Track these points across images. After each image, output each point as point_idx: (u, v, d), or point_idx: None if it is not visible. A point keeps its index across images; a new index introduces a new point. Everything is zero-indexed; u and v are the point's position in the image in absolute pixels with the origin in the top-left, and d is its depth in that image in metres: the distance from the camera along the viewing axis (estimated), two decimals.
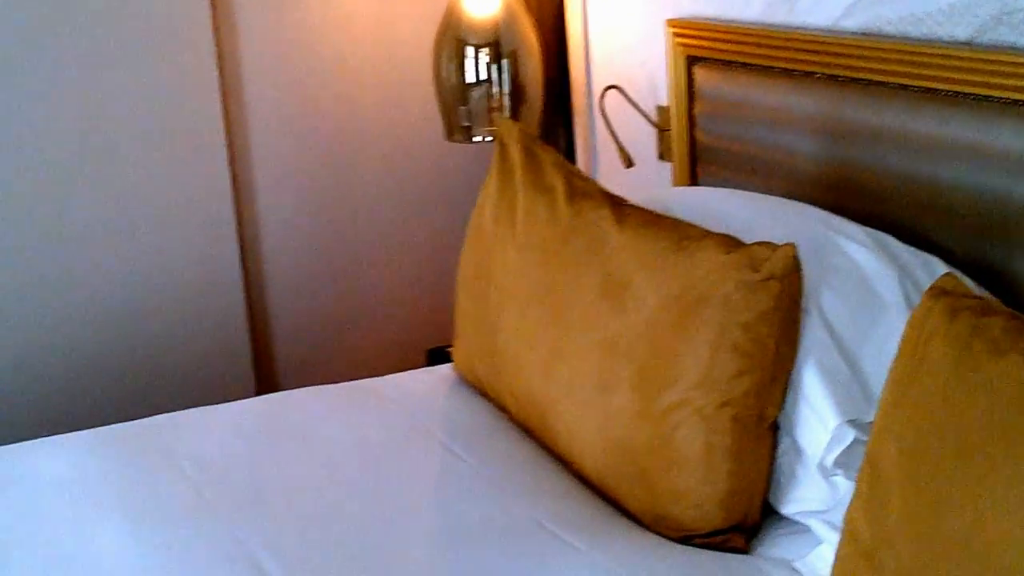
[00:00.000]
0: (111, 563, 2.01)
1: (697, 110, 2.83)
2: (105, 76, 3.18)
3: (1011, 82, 2.03)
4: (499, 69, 3.17)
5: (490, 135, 3.16)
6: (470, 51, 3.17)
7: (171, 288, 3.36)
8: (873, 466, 1.63)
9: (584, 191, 2.32)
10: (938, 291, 1.65)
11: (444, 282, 3.44)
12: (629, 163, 3.04)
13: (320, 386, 2.72)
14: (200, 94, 3.29)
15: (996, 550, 1.41)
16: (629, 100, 3.01)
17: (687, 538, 2.02)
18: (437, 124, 3.32)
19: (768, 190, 2.52)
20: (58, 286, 3.23)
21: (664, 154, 3.01)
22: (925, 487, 1.52)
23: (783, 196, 2.43)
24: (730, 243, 2.00)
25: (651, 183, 3.05)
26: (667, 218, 2.18)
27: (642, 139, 3.07)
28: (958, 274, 1.86)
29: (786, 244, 1.93)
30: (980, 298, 1.64)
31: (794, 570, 1.92)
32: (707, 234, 2.06)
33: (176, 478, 2.29)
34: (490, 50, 3.16)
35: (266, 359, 3.57)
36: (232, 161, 3.39)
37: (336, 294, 3.65)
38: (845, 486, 1.89)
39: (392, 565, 1.98)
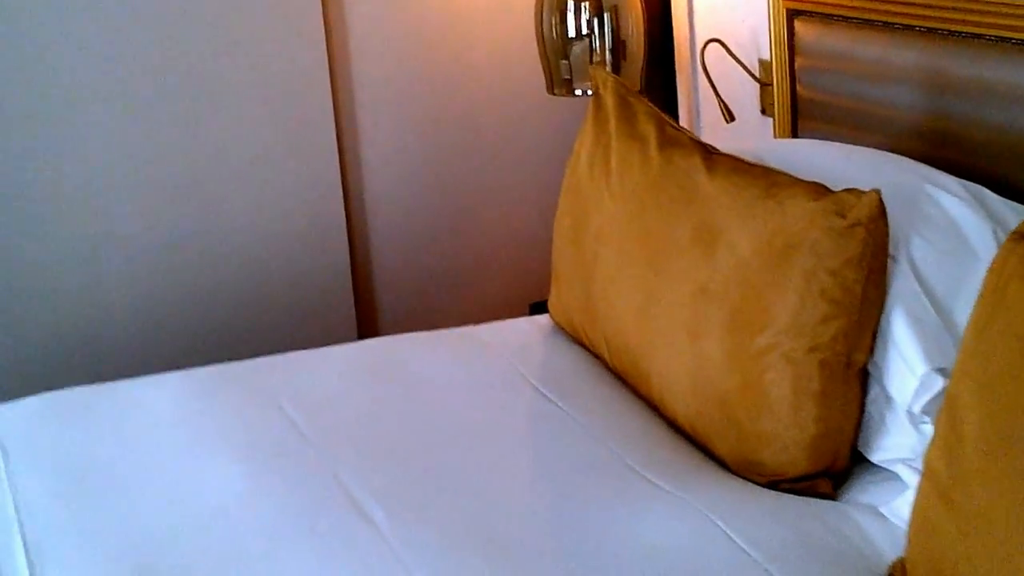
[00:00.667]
0: (217, 500, 2.08)
1: (798, 64, 2.86)
2: (211, 22, 3.29)
3: None
4: (600, 23, 3.22)
5: (591, 88, 3.21)
6: (571, 5, 3.23)
7: (278, 238, 3.46)
8: (951, 407, 1.67)
9: (675, 139, 2.36)
10: (1019, 235, 1.68)
11: (548, 236, 3.50)
12: (730, 118, 3.08)
13: (421, 332, 2.80)
14: (305, 44, 3.38)
15: None
16: (731, 54, 3.05)
17: (774, 483, 2.06)
18: (540, 78, 3.37)
19: (868, 144, 2.54)
20: (173, 235, 3.35)
21: (766, 109, 3.05)
22: (1000, 426, 1.56)
23: (882, 149, 2.46)
24: (818, 190, 2.04)
25: (752, 138, 3.08)
26: (756, 166, 2.22)
27: (744, 93, 3.12)
28: None
29: (871, 190, 1.96)
30: None
31: (880, 516, 1.96)
32: (796, 181, 2.10)
33: (279, 418, 2.36)
34: (591, 4, 3.21)
35: (369, 309, 3.66)
36: (337, 111, 3.47)
37: (440, 246, 3.73)
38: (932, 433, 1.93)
39: (488, 505, 2.04)
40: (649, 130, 2.40)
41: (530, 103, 3.67)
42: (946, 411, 1.68)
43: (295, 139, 3.43)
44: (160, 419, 2.40)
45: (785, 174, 2.15)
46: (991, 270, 1.68)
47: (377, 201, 3.64)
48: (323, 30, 3.39)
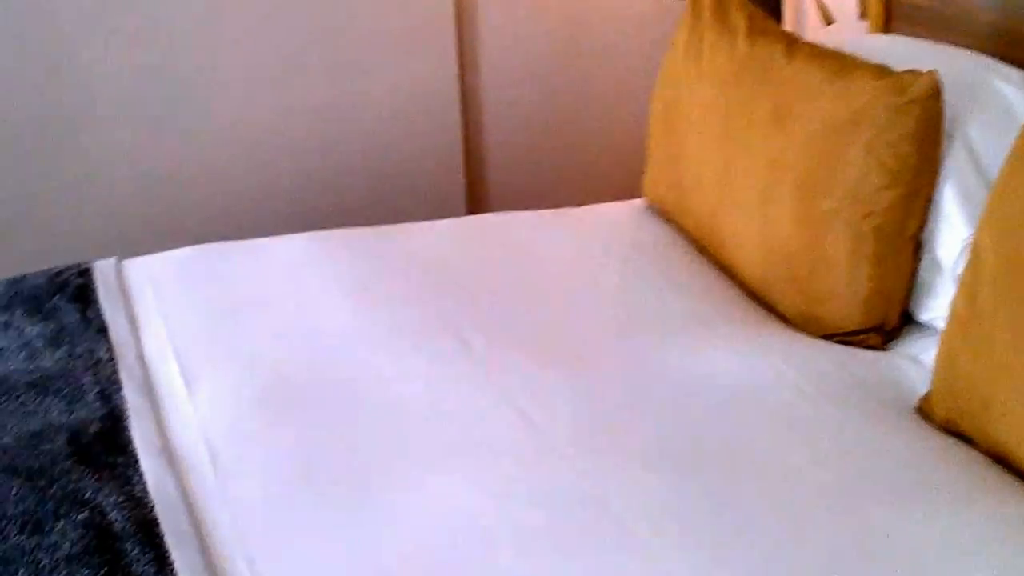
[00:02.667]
0: (340, 331, 2.41)
1: None
2: None
3: None
4: None
5: None
6: None
7: (396, 121, 3.77)
8: (974, 254, 1.98)
9: (763, 29, 2.66)
10: None
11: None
12: (828, 21, 3.35)
13: (525, 211, 3.10)
14: None
15: None
16: None
17: (829, 336, 2.38)
18: None
19: (951, 44, 2.81)
20: (303, 117, 3.67)
21: (863, 14, 3.31)
22: (1011, 266, 1.87)
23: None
24: (882, 71, 2.33)
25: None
26: (832, 51, 2.51)
27: (845, 1, 3.38)
28: None
29: (929, 71, 2.25)
30: None
31: (919, 362, 2.27)
32: (863, 64, 2.39)
33: (391, 269, 2.69)
34: None
35: (479, 197, 3.98)
36: (459, 10, 3.78)
37: (548, 139, 4.01)
38: None
39: (576, 340, 2.36)
40: (740, 21, 2.70)
41: (639, 6, 3.97)
42: (971, 258, 1.99)
43: (415, 33, 3.72)
44: (291, 265, 2.74)
45: (856, 58, 2.44)
46: (1020, 135, 1.97)
47: (492, 96, 3.92)
48: None
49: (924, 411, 2.08)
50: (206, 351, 2.37)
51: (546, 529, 1.78)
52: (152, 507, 1.86)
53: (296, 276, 2.69)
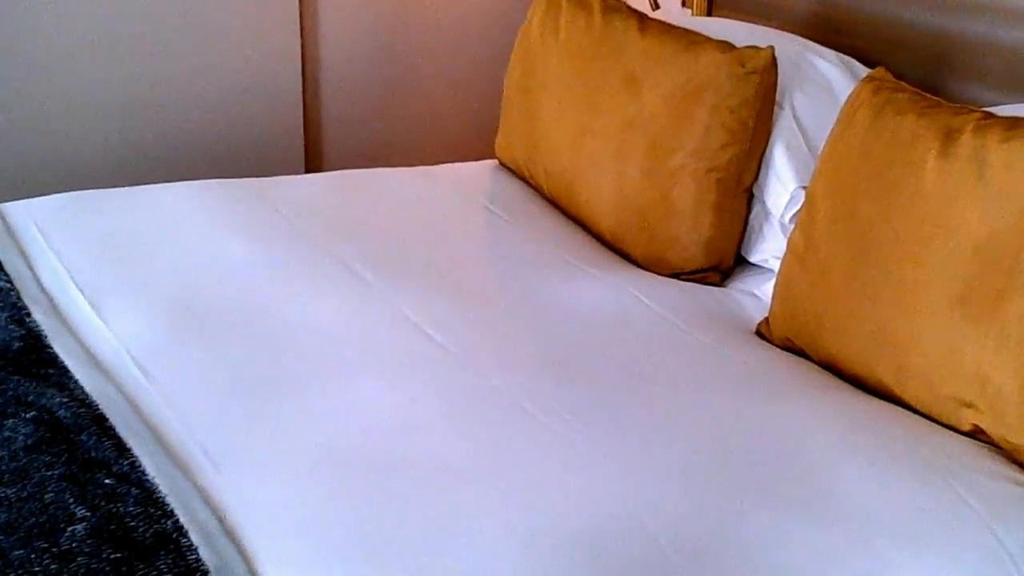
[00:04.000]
0: (232, 261, 2.58)
1: None
2: None
3: None
4: None
5: None
6: None
7: (239, 89, 3.99)
8: (809, 198, 2.34)
9: (615, 7, 2.98)
10: (870, 77, 2.36)
11: (480, 99, 4.10)
12: (655, 6, 3.73)
13: (381, 167, 3.34)
14: None
15: (885, 241, 2.13)
16: None
17: (676, 275, 2.72)
18: None
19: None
20: (163, 84, 3.87)
21: (685, 2, 3.71)
22: (842, 203, 2.23)
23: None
24: (725, 46, 2.67)
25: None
26: (680, 28, 2.83)
27: None
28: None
29: (767, 47, 2.62)
30: (898, 82, 2.33)
31: (754, 295, 2.63)
32: (708, 39, 2.72)
33: (273, 214, 2.88)
34: None
35: (316, 159, 4.21)
36: None
37: (386, 106, 4.26)
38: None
39: (457, 276, 2.62)
40: (594, 1, 3.03)
41: None
42: (806, 202, 2.36)
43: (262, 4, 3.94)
44: (175, 209, 2.89)
45: (701, 35, 2.77)
46: (846, 102, 2.34)
47: (330, 60, 4.13)
48: None
49: (762, 332, 2.43)
50: (108, 282, 2.49)
51: (457, 418, 2.03)
52: (97, 406, 2.01)
53: (183, 219, 2.82)
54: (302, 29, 4.03)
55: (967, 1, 2.77)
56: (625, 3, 3.04)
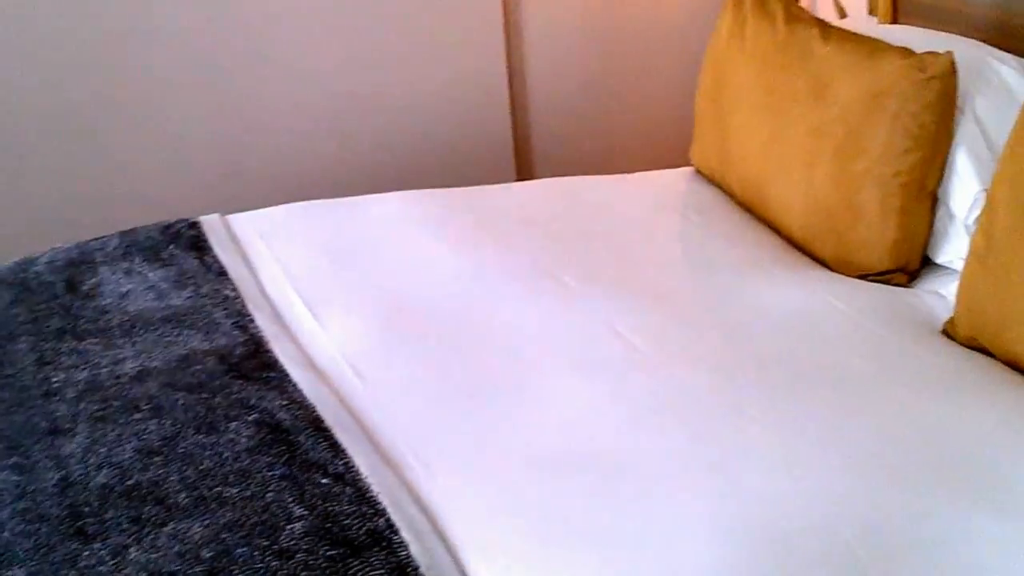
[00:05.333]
0: (442, 270, 2.68)
1: None
2: None
3: None
4: None
5: None
6: None
7: (454, 111, 4.08)
8: (991, 202, 2.30)
9: (798, 16, 2.97)
10: None
11: (680, 108, 4.09)
12: (842, 15, 3.69)
13: (588, 176, 3.37)
14: None
15: None
16: None
17: (863, 276, 2.69)
18: None
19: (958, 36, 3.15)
20: (382, 105, 3.98)
21: (872, 10, 3.66)
22: (1021, 209, 2.21)
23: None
24: (906, 52, 2.64)
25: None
26: (861, 35, 2.81)
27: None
28: None
29: (946, 52, 2.58)
30: None
31: (941, 296, 2.60)
32: (890, 46, 2.69)
33: (481, 223, 2.94)
34: None
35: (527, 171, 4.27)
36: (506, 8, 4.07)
37: (594, 126, 4.30)
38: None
39: (653, 280, 2.64)
40: (778, 9, 3.01)
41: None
42: (987, 205, 2.32)
43: (466, 21, 4.02)
44: (388, 219, 2.99)
45: (883, 41, 2.74)
46: (1022, 109, 2.31)
47: (536, 72, 4.19)
48: None
49: (948, 332, 2.39)
50: (326, 290, 2.58)
51: (653, 417, 2.07)
52: (314, 408, 2.09)
53: (396, 228, 2.91)
54: (507, 43, 4.10)
55: None
56: (807, 11, 3.02)
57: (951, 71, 2.59)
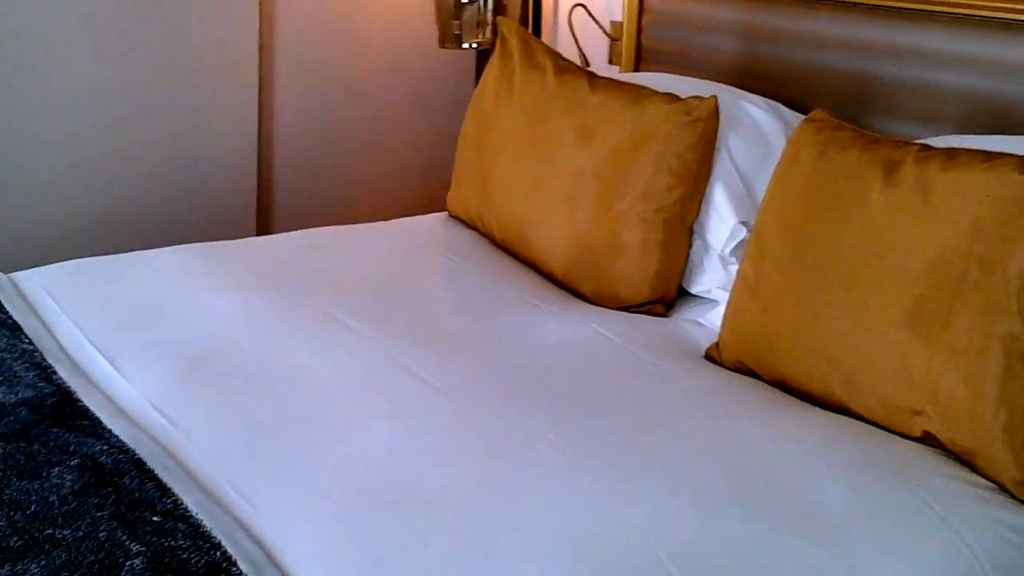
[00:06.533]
0: (229, 319, 2.60)
1: (644, 21, 3.59)
2: None
3: None
4: None
5: (476, 42, 3.88)
6: None
7: (202, 162, 4.00)
8: (758, 233, 2.41)
9: (567, 67, 3.06)
10: (811, 119, 2.43)
11: (433, 166, 4.14)
12: (586, 65, 3.78)
13: (351, 225, 3.35)
14: (238, 18, 3.93)
15: (835, 266, 2.19)
16: (592, 16, 3.77)
17: (624, 308, 2.77)
18: (433, 34, 4.01)
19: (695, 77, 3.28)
20: (131, 150, 3.87)
21: (613, 59, 3.77)
22: (790, 236, 2.30)
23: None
24: (672, 97, 2.77)
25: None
26: (627, 83, 2.92)
27: (595, 47, 3.84)
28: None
29: (711, 96, 2.71)
30: (837, 121, 2.41)
31: (698, 323, 2.70)
32: (655, 92, 2.81)
33: (257, 272, 2.88)
34: None
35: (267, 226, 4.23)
36: (261, 54, 4.03)
37: (337, 176, 4.30)
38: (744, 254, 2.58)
39: (430, 320, 2.66)
40: (547, 62, 3.08)
41: (423, 54, 4.34)
42: (754, 235, 2.42)
43: (221, 90, 3.97)
44: (166, 271, 2.90)
45: (648, 88, 2.86)
46: (789, 141, 2.43)
47: (285, 135, 4.19)
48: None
49: (712, 356, 2.50)
50: (122, 342, 2.51)
51: (457, 450, 2.09)
52: (134, 451, 2.05)
53: (178, 281, 2.84)
54: (260, 104, 4.07)
55: (882, 45, 2.88)
56: (576, 64, 3.11)
57: (714, 113, 2.72)
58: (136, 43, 3.77)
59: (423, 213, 3.49)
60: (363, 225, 3.35)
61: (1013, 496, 1.97)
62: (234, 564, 1.73)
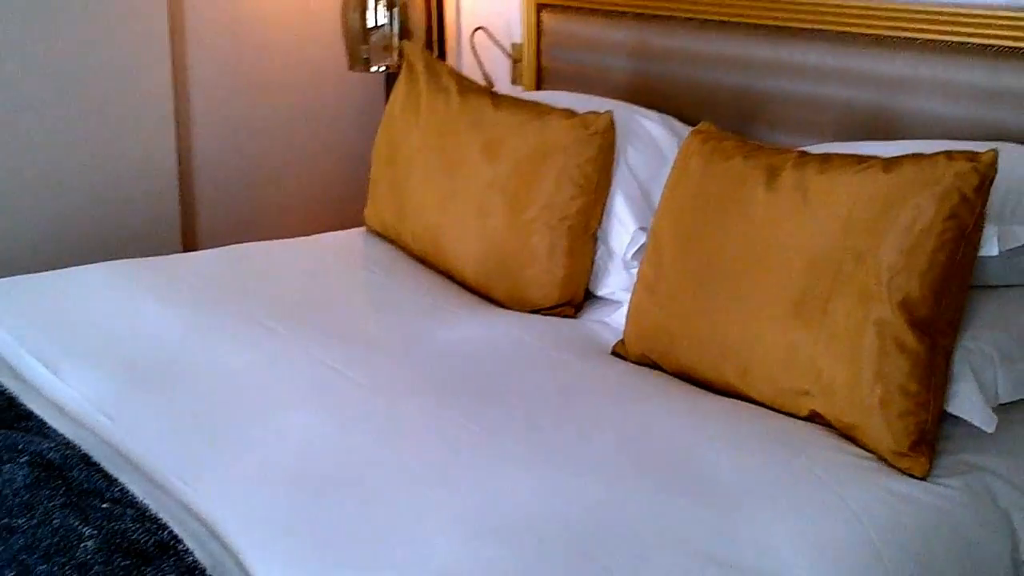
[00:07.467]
0: (159, 328, 2.69)
1: (543, 43, 3.74)
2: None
3: (754, 11, 3.06)
4: (392, 16, 4.01)
5: (384, 66, 4.02)
6: (371, 2, 4.02)
7: (121, 186, 4.07)
8: (655, 236, 2.56)
9: (471, 88, 3.19)
10: (697, 131, 2.59)
11: (349, 183, 4.26)
12: (490, 86, 3.92)
13: (270, 241, 3.44)
14: (151, 33, 4.01)
15: (725, 264, 2.35)
16: (492, 39, 3.91)
17: (535, 311, 2.91)
18: (342, 57, 4.16)
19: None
20: (56, 175, 3.95)
21: (516, 79, 3.91)
22: (684, 239, 2.46)
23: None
24: (570, 113, 2.92)
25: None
26: (529, 101, 3.07)
27: (499, 68, 3.98)
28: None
29: (606, 112, 2.86)
30: (722, 131, 2.57)
31: (605, 323, 2.84)
32: (555, 109, 2.96)
33: (185, 285, 2.99)
34: (386, 1, 4.01)
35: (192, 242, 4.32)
36: (176, 75, 4.11)
37: (258, 196, 4.40)
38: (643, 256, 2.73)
39: (353, 323, 2.78)
40: (451, 83, 3.21)
41: (333, 77, 4.45)
42: (651, 238, 2.57)
43: (136, 108, 4.04)
44: (98, 286, 2.98)
45: (548, 105, 3.01)
46: (680, 152, 2.58)
47: (204, 157, 4.28)
48: (167, 21, 4.02)
49: (618, 352, 2.64)
50: (59, 351, 2.59)
51: (381, 437, 2.22)
52: (80, 447, 2.15)
53: (111, 294, 2.92)
54: (177, 126, 4.14)
55: (767, 61, 3.07)
56: (479, 85, 3.25)
57: (611, 127, 2.87)
58: (44, 65, 3.86)
59: (342, 229, 3.61)
60: (285, 240, 3.45)
61: (890, 464, 2.14)
62: (180, 542, 1.86)
